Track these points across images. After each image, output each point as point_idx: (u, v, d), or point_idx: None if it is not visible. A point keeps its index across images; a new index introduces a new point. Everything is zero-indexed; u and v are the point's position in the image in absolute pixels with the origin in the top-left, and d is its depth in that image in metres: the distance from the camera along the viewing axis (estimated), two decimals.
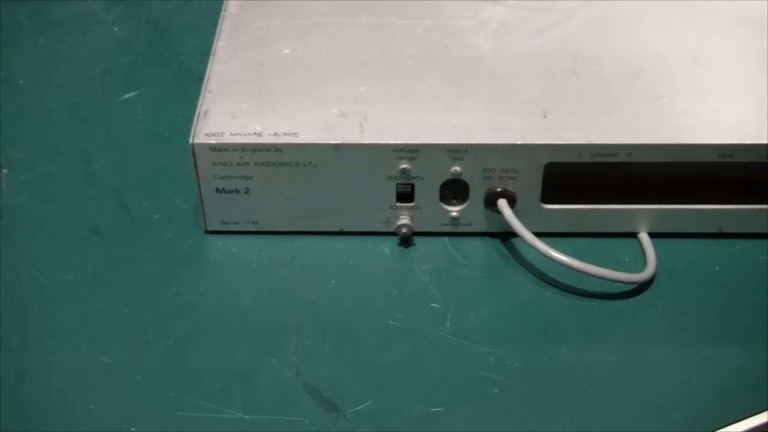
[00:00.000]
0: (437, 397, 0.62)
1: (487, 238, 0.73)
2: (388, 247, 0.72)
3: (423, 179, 0.70)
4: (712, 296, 0.69)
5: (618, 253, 0.71)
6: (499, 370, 0.64)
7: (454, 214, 0.72)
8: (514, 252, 0.72)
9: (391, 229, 0.72)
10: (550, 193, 0.71)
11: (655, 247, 0.71)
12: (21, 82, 0.89)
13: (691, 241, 0.72)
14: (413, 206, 0.72)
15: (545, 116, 0.70)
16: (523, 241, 0.69)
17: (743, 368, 0.64)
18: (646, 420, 0.61)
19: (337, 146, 0.69)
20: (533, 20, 0.81)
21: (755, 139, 0.68)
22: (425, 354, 0.65)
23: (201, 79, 0.75)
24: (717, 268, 0.71)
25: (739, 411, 0.61)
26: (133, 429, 0.60)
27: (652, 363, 0.64)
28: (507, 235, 0.73)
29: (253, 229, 0.73)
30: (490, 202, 0.71)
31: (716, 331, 0.66)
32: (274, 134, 0.69)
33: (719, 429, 0.60)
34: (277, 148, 0.69)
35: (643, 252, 0.71)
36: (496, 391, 0.63)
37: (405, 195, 0.71)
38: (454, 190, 0.71)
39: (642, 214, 0.72)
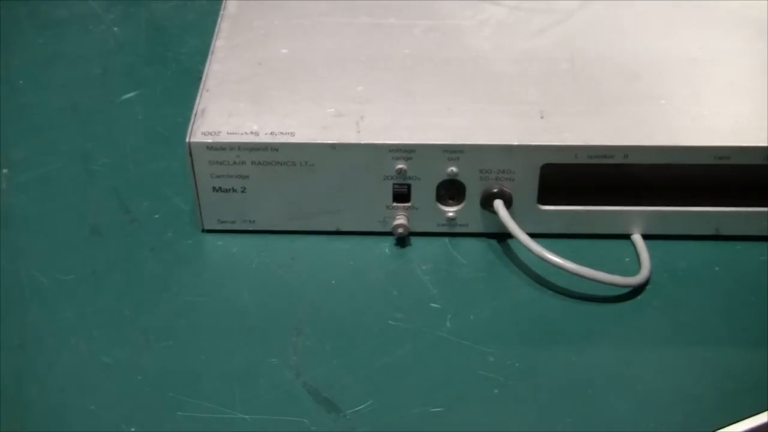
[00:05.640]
0: (437, 397, 0.62)
1: (487, 238, 0.73)
2: (387, 247, 0.72)
3: (419, 179, 0.70)
4: (712, 296, 0.69)
5: (617, 253, 0.71)
6: (499, 370, 0.64)
7: (450, 214, 0.72)
8: (514, 252, 0.72)
9: (388, 229, 0.72)
10: (546, 194, 0.71)
11: (655, 247, 0.71)
12: (21, 82, 0.89)
13: (690, 242, 0.72)
14: (410, 206, 0.72)
15: (542, 117, 0.71)
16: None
17: (743, 368, 0.64)
18: (646, 420, 0.61)
19: (333, 146, 0.69)
20: (532, 21, 0.81)
21: (753, 142, 0.68)
22: (425, 354, 0.65)
23: (201, 79, 0.75)
24: (717, 269, 0.71)
25: (739, 411, 0.61)
26: (133, 429, 0.60)
27: (652, 363, 0.64)
28: (505, 236, 0.73)
29: (250, 228, 0.73)
30: (487, 202, 0.71)
31: (716, 332, 0.66)
32: (271, 133, 0.69)
33: (719, 429, 0.60)
34: (274, 148, 0.69)
35: (637, 255, 0.71)
36: (496, 391, 0.63)
37: (401, 195, 0.71)
38: (451, 190, 0.71)
39: (639, 217, 0.72)
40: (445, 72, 0.75)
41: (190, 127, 0.70)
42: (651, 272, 0.69)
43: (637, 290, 0.69)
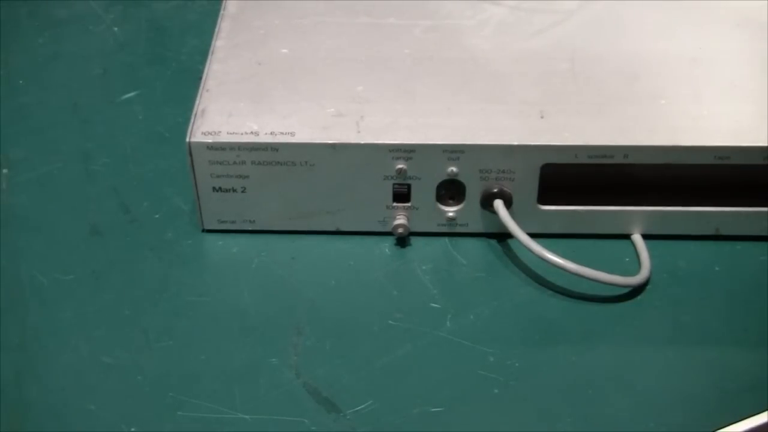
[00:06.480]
0: (437, 397, 0.62)
1: (487, 238, 0.73)
2: (387, 247, 0.72)
3: (419, 179, 0.70)
4: (713, 296, 0.69)
5: (618, 254, 0.71)
6: (499, 370, 0.64)
7: (450, 214, 0.72)
8: (514, 252, 0.72)
9: (388, 229, 0.72)
10: (546, 194, 0.71)
11: (656, 246, 0.71)
12: (21, 82, 0.89)
13: (690, 242, 0.72)
14: (410, 206, 0.72)
15: (542, 117, 0.71)
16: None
17: (743, 368, 0.64)
18: (646, 420, 0.61)
19: (333, 146, 0.69)
20: (532, 21, 0.81)
21: (753, 142, 0.68)
22: (425, 354, 0.65)
23: (201, 78, 0.75)
24: (717, 269, 0.71)
25: (739, 411, 0.61)
26: (133, 429, 0.60)
27: (652, 363, 0.64)
28: (505, 236, 0.73)
29: (250, 228, 0.73)
30: (487, 202, 0.71)
31: (716, 332, 0.66)
32: (271, 133, 0.69)
33: (719, 429, 0.60)
34: (274, 148, 0.69)
35: (637, 255, 0.71)
36: (496, 391, 0.63)
37: (401, 195, 0.71)
38: (451, 190, 0.71)
39: (639, 216, 0.72)
40: (445, 72, 0.75)
41: (190, 127, 0.70)
42: (651, 272, 0.69)
43: (637, 290, 0.69)
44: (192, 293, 0.69)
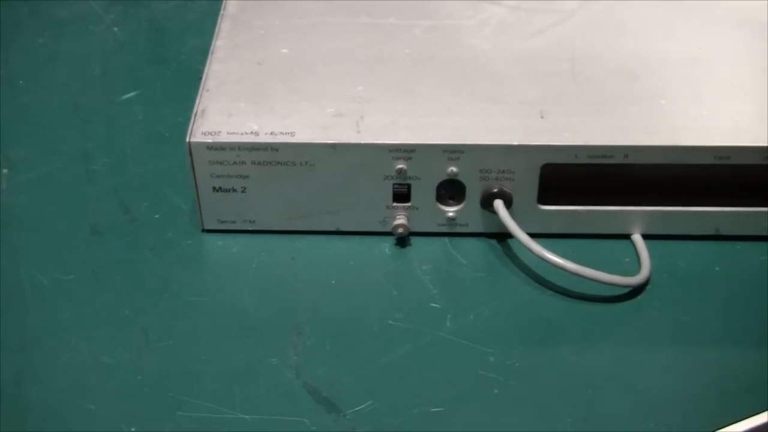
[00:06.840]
0: (437, 397, 0.62)
1: (487, 238, 0.73)
2: (388, 247, 0.72)
3: (419, 179, 0.70)
4: (712, 296, 0.69)
5: (618, 254, 0.71)
6: (499, 370, 0.64)
7: (450, 214, 0.72)
8: (514, 252, 0.72)
9: (388, 229, 0.72)
10: (546, 194, 0.71)
11: (656, 246, 0.71)
12: (21, 82, 0.89)
13: (690, 242, 0.72)
14: (410, 206, 0.72)
15: (542, 117, 0.71)
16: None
17: (743, 368, 0.64)
18: (646, 420, 0.61)
19: (333, 146, 0.69)
20: (532, 21, 0.81)
21: (752, 142, 0.68)
22: (425, 354, 0.65)
23: (201, 78, 0.75)
24: (717, 269, 0.71)
25: (739, 411, 0.61)
26: (133, 429, 0.60)
27: (652, 363, 0.64)
28: (505, 236, 0.73)
29: (250, 228, 0.73)
30: (487, 202, 0.71)
31: (716, 332, 0.66)
32: (271, 133, 0.69)
33: (719, 429, 0.60)
34: (274, 148, 0.69)
35: (637, 255, 0.71)
36: (496, 391, 0.63)
37: (401, 195, 0.71)
38: (451, 190, 0.71)
39: (639, 216, 0.72)
40: (445, 72, 0.75)
41: (190, 127, 0.70)
42: (651, 272, 0.69)
43: (637, 290, 0.69)
44: (192, 293, 0.69)
